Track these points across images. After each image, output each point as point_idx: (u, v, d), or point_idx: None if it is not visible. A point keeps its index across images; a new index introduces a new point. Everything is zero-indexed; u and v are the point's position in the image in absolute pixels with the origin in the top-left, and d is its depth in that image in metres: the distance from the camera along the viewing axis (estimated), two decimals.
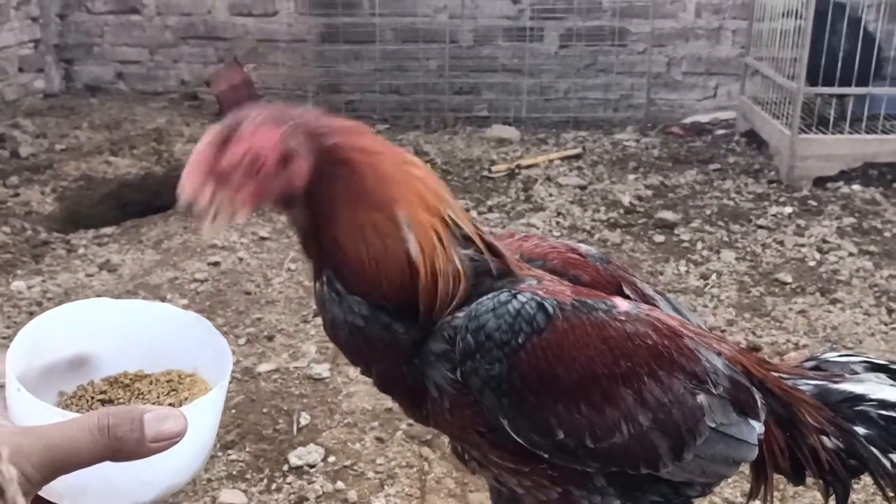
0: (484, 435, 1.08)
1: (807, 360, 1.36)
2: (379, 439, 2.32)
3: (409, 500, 2.09)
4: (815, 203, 4.15)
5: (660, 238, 3.76)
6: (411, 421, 2.40)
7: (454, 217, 1.05)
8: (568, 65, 5.74)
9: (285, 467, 2.21)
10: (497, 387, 1.03)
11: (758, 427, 1.15)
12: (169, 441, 0.68)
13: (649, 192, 4.31)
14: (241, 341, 2.82)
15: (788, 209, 4.06)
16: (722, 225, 3.89)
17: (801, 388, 1.25)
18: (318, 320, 2.99)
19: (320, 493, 2.11)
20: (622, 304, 1.10)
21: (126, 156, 4.70)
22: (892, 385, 1.25)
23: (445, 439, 2.28)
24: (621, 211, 4.06)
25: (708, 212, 4.05)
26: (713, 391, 1.10)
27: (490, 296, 1.05)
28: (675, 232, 3.81)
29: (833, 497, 1.27)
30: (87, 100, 6.02)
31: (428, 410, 1.10)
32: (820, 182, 4.35)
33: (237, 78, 5.46)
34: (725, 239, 3.74)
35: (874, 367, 1.29)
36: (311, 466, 2.21)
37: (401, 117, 5.67)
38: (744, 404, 1.13)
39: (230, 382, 2.40)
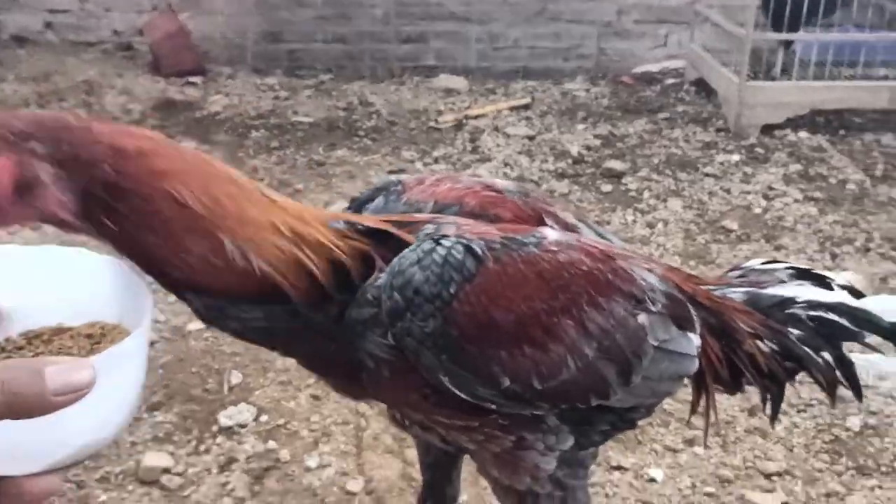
0: (427, 397, 1.02)
1: (732, 271, 1.34)
2: (314, 397, 2.24)
3: (344, 458, 2.02)
4: (762, 151, 4.13)
5: (607, 188, 3.70)
6: None
7: (293, 218, 0.93)
8: (517, 13, 5.60)
9: (215, 428, 2.12)
10: (434, 344, 0.96)
11: (696, 339, 1.13)
12: (75, 394, 0.62)
13: (598, 142, 4.25)
14: (171, 299, 2.68)
15: (736, 157, 4.03)
16: (669, 174, 3.85)
17: (730, 297, 1.23)
18: None
19: (251, 453, 2.03)
20: (551, 234, 1.04)
21: (54, 109, 4.45)
22: (817, 288, 1.25)
23: None
24: (569, 161, 3.99)
25: (656, 161, 4.00)
26: (652, 309, 1.06)
27: (412, 247, 0.97)
28: (623, 181, 3.76)
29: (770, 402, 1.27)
30: (13, 51, 5.68)
31: (366, 383, 1.02)
32: (767, 130, 4.33)
33: (172, 27, 5.20)
34: (673, 188, 3.71)
35: (799, 274, 1.28)
36: (242, 426, 2.12)
37: (345, 67, 5.48)
38: (681, 318, 1.11)
39: (158, 342, 2.26)
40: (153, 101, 4.67)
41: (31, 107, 4.48)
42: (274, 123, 4.40)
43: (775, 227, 3.33)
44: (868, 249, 3.13)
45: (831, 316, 1.23)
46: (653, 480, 1.95)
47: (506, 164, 3.92)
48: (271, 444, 2.06)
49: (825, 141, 4.24)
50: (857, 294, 1.28)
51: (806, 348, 1.22)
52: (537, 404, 1.03)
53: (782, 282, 1.28)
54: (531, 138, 4.28)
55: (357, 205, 1.19)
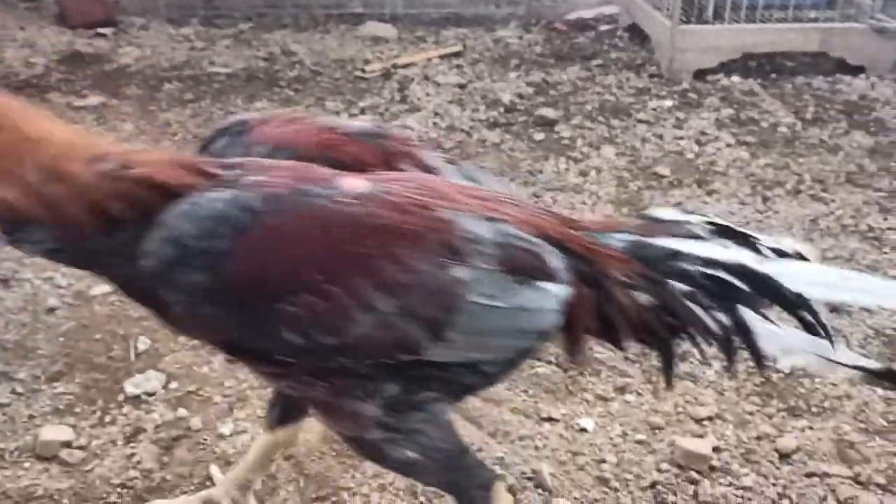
0: (226, 345, 1.01)
1: (641, 218, 1.27)
2: (229, 361, 2.10)
3: (261, 423, 1.90)
4: (694, 96, 4.09)
5: (540, 136, 3.61)
6: None
7: (56, 155, 0.96)
8: None
9: (120, 397, 1.97)
10: (207, 297, 0.94)
11: (556, 290, 1.08)
12: None
13: (530, 90, 4.13)
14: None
15: (668, 103, 3.97)
16: (602, 121, 3.77)
17: (611, 244, 1.17)
18: None
19: (159, 422, 1.89)
20: (356, 185, 1.00)
21: None
22: (725, 246, 1.17)
23: None
24: (501, 109, 3.87)
25: (589, 108, 3.92)
26: (477, 263, 1.02)
27: (187, 199, 0.96)
28: (556, 129, 3.67)
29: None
30: None
31: (171, 321, 1.01)
32: (700, 75, 4.28)
33: None
34: (606, 135, 3.63)
35: (721, 231, 1.20)
36: (150, 394, 1.98)
37: (266, 15, 5.20)
38: (531, 270, 1.06)
39: (59, 308, 2.08)
40: (59, 55, 4.35)
41: None
42: (189, 75, 4.15)
43: (707, 172, 3.29)
44: (799, 192, 3.12)
45: (725, 275, 1.15)
46: (583, 430, 1.89)
47: (436, 114, 3.77)
48: (181, 411, 1.92)
49: (757, 85, 4.22)
50: (787, 256, 1.19)
51: (693, 306, 1.14)
52: (335, 358, 1.00)
53: (697, 236, 1.19)
54: (462, 87, 4.14)
55: (203, 145, 1.14)
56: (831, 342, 1.14)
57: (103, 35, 4.67)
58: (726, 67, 4.33)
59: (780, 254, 1.20)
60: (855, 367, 1.16)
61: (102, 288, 2.36)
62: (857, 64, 4.32)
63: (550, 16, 5.46)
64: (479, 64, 4.53)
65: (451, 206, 1.04)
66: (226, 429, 1.88)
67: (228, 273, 0.93)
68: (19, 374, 2.02)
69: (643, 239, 1.19)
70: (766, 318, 1.16)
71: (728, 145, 3.52)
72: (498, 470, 1.75)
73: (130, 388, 1.98)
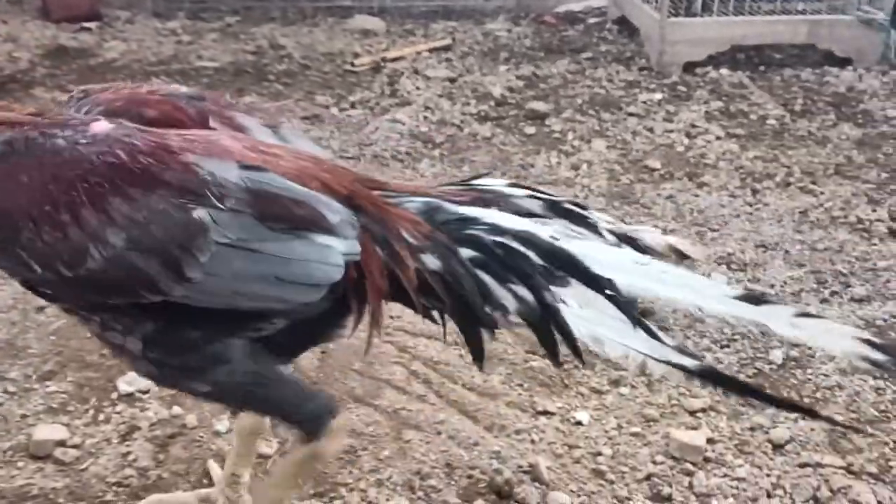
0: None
1: (457, 184, 1.28)
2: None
3: None
4: (684, 88, 4.10)
5: (531, 130, 3.61)
6: None
7: None
8: None
9: (114, 395, 1.96)
10: None
11: (335, 244, 1.09)
12: None
13: (521, 83, 4.13)
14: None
15: (658, 95, 3.99)
16: (593, 114, 3.78)
17: (406, 205, 1.18)
18: None
19: (154, 420, 1.88)
20: (100, 128, 1.06)
21: None
22: (545, 222, 1.17)
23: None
24: (492, 103, 3.87)
25: (579, 101, 3.92)
26: (219, 205, 1.03)
27: None
28: (547, 123, 3.67)
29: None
30: None
31: None
32: (689, 67, 4.30)
33: None
34: (596, 128, 3.64)
35: (558, 208, 1.21)
36: (144, 392, 1.96)
37: (253, 8, 5.17)
38: (300, 221, 1.07)
39: (48, 306, 2.05)
40: (43, 49, 4.30)
41: None
42: (176, 69, 4.12)
43: (697, 165, 3.31)
44: (788, 184, 3.14)
45: (517, 245, 1.13)
46: (579, 423, 1.90)
47: (426, 108, 3.77)
48: (176, 409, 1.91)
49: (746, 77, 4.24)
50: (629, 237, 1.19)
51: (485, 275, 1.13)
52: (83, 292, 1.05)
53: (524, 211, 1.19)
54: (452, 80, 4.13)
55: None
56: (653, 335, 1.13)
57: (88, 29, 4.62)
58: (715, 60, 4.35)
59: (623, 236, 1.20)
60: (670, 364, 1.14)
61: None
62: (844, 56, 4.35)
63: (539, 9, 5.46)
64: (469, 57, 4.53)
65: (207, 153, 1.07)
66: (221, 426, 1.87)
67: None
68: (11, 374, 2.00)
69: (439, 203, 1.19)
70: (573, 298, 1.13)
71: (718, 138, 3.54)
72: (495, 464, 1.75)
73: (124, 385, 1.97)
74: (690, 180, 3.17)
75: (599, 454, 1.80)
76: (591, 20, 5.30)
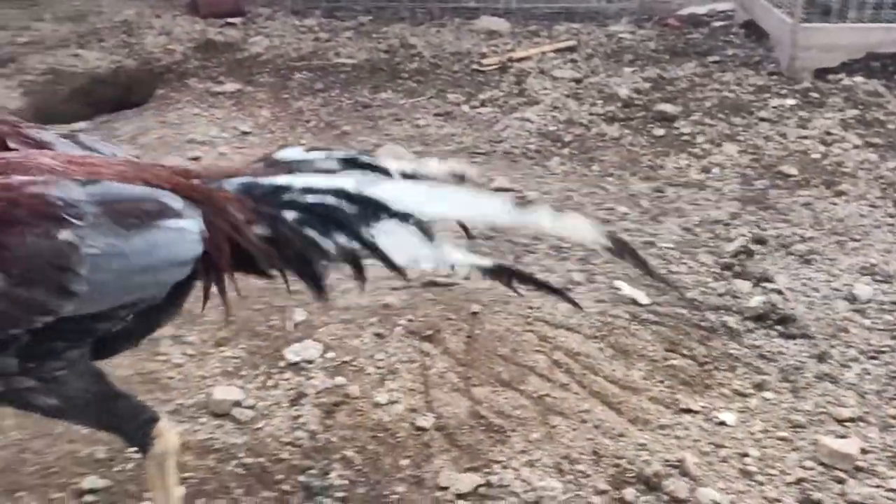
0: None
1: (262, 161, 1.41)
2: (378, 335, 2.24)
3: (412, 395, 2.02)
4: (816, 95, 4.01)
5: (659, 131, 3.62)
6: (411, 317, 2.33)
7: None
8: None
9: (282, 363, 2.13)
10: None
11: (187, 224, 1.22)
12: None
13: (647, 85, 4.14)
14: None
15: (790, 101, 3.92)
16: (723, 118, 3.76)
17: (225, 188, 1.31)
18: None
19: (320, 388, 2.04)
20: None
21: (95, 49, 4.42)
22: (347, 176, 1.34)
23: (447, 335, 2.21)
24: (619, 104, 3.90)
25: (708, 104, 3.90)
26: (79, 222, 1.13)
27: None
28: (675, 125, 3.68)
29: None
30: None
31: None
32: (821, 74, 4.20)
33: None
34: (727, 132, 3.62)
35: (353, 163, 1.36)
36: (309, 362, 2.13)
37: (384, 9, 5.37)
38: (149, 214, 1.19)
39: None
40: (194, 43, 4.61)
41: (71, 47, 4.44)
42: (316, 65, 4.34)
43: (835, 173, 3.25)
44: None
45: (330, 200, 1.30)
46: (723, 424, 1.94)
47: (554, 108, 3.84)
48: (339, 379, 2.06)
49: (881, 86, 4.10)
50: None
51: (311, 232, 1.28)
52: None
53: (318, 171, 1.35)
54: (578, 81, 4.19)
55: None
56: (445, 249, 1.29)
57: (233, 24, 4.92)
58: (848, 67, 4.23)
59: (411, 175, 1.36)
60: (471, 266, 1.31)
61: None
62: None
63: (663, 11, 5.43)
64: (594, 59, 4.56)
65: (46, 178, 1.16)
66: (381, 398, 2.01)
67: None
68: (189, 338, 2.20)
69: (253, 180, 1.33)
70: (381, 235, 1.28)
71: (855, 146, 3.46)
72: (644, 455, 1.81)
73: (290, 355, 2.14)
74: (828, 188, 3.12)
75: (746, 455, 1.84)
76: (717, 23, 5.23)
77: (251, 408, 1.98)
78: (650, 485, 1.75)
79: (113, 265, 1.16)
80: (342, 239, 1.31)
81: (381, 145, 3.40)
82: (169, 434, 1.41)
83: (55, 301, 1.14)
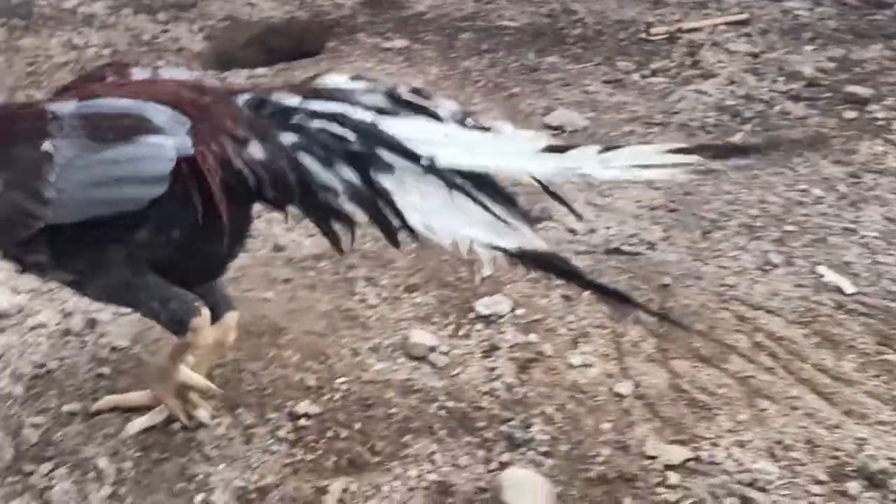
0: None
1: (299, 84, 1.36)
2: (566, 297, 2.20)
3: (606, 360, 1.98)
4: None
5: (850, 114, 3.38)
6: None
7: None
8: None
9: (472, 315, 2.13)
10: None
11: (166, 141, 1.24)
12: None
13: (832, 65, 3.87)
14: None
15: None
16: None
17: (235, 101, 1.31)
18: None
19: (512, 343, 2.03)
20: None
21: None
22: (364, 106, 1.25)
23: None
24: (803, 83, 3.66)
25: None
26: (57, 135, 1.23)
27: None
28: (868, 109, 3.42)
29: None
30: None
31: None
32: None
33: None
34: None
35: (398, 99, 1.27)
36: (500, 317, 2.11)
37: None
38: (123, 129, 1.24)
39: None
40: None
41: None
42: (481, 26, 4.29)
43: None
44: None
45: (336, 128, 1.22)
46: None
47: (731, 82, 3.65)
48: (532, 336, 2.04)
49: None
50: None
51: (311, 159, 1.23)
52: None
53: (366, 104, 1.26)
54: (755, 56, 3.96)
55: None
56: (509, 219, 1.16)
57: None
58: None
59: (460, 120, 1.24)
60: (491, 247, 1.18)
61: None
62: None
63: None
64: (769, 34, 4.31)
65: (49, 98, 1.29)
66: (575, 359, 1.97)
67: None
68: (382, 281, 2.23)
69: (264, 97, 1.30)
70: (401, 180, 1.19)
71: None
72: (870, 450, 1.70)
73: (481, 308, 2.13)
74: None
75: None
76: None
77: (445, 354, 1.99)
78: (874, 481, 1.65)
79: (77, 176, 1.24)
80: (348, 175, 1.24)
81: (553, 109, 3.33)
82: (204, 329, 1.46)
83: (35, 207, 1.25)
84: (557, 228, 2.49)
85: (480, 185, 1.19)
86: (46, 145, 1.24)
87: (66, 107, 1.28)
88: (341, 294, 2.16)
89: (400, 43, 3.96)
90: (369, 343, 2.00)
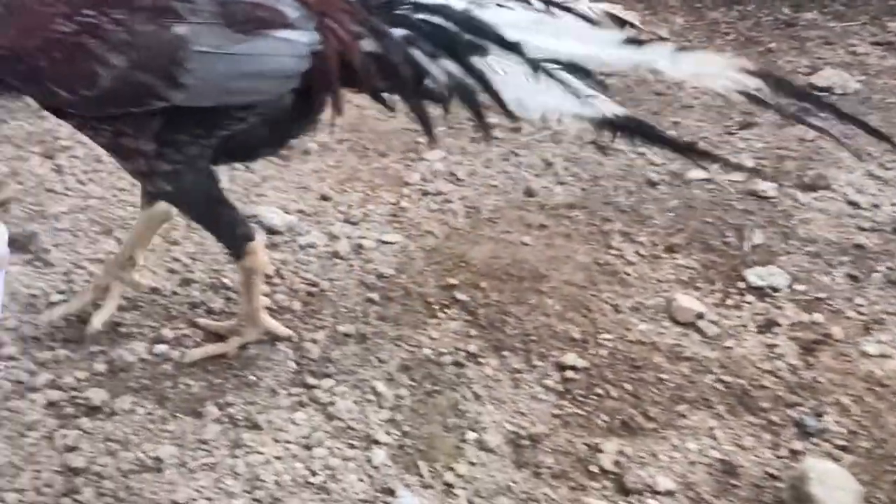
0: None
1: None
2: (852, 277, 1.96)
3: None
4: None
5: None
6: (890, 265, 2.01)
7: None
8: None
9: (741, 284, 1.94)
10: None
11: (299, 36, 1.26)
12: None
13: None
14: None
15: None
16: None
17: None
18: (746, 132, 2.60)
19: (794, 320, 1.83)
20: None
21: None
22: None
23: None
24: None
25: None
26: (195, 20, 1.21)
27: None
28: None
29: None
30: None
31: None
32: None
33: None
34: None
35: None
36: (775, 290, 1.91)
37: None
38: (262, 21, 1.24)
39: (658, 184, 2.09)
40: None
41: None
42: None
43: None
44: None
45: (437, 19, 1.27)
46: None
47: None
48: (816, 316, 1.83)
49: None
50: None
51: (418, 53, 1.27)
52: (105, 108, 1.27)
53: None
54: None
55: None
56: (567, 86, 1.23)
57: None
58: None
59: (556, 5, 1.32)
60: (583, 116, 1.24)
61: (697, 173, 2.35)
62: None
63: None
64: None
65: None
66: (870, 347, 1.75)
67: (5, 45, 1.23)
68: (640, 238, 2.09)
69: None
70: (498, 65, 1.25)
71: None
72: None
73: (753, 278, 1.94)
74: None
75: None
76: None
77: (714, 323, 1.83)
78: None
79: (218, 66, 1.25)
80: (449, 62, 1.28)
81: (818, 69, 3.00)
82: (260, 254, 1.51)
83: (164, 89, 1.25)
84: (836, 199, 2.23)
85: (564, 66, 1.27)
86: (181, 29, 1.22)
87: None
88: (598, 247, 2.04)
89: None
90: (630, 301, 1.88)
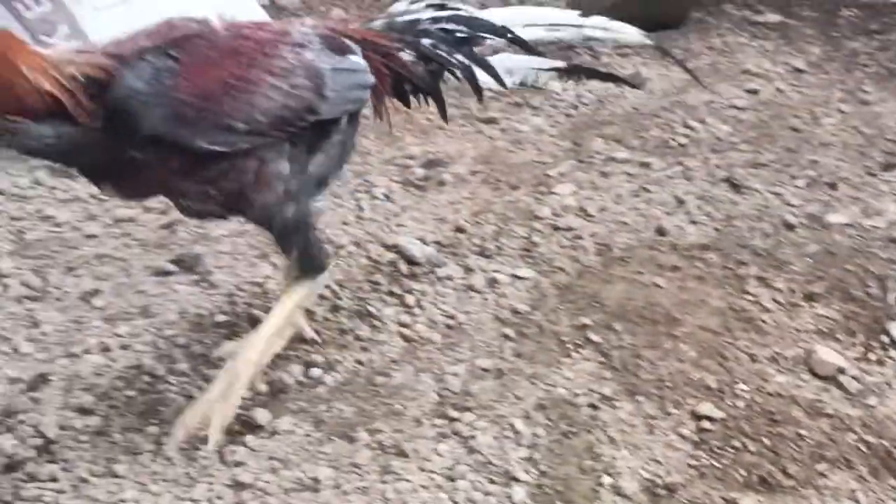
0: (184, 169, 1.45)
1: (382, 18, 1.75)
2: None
3: None
4: None
5: None
6: None
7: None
8: None
9: (884, 338, 1.90)
10: (167, 120, 1.38)
11: (358, 59, 1.59)
12: None
13: None
14: (799, 183, 2.47)
15: None
16: None
17: (372, 27, 1.70)
18: (889, 174, 2.52)
19: None
20: (215, 23, 1.49)
21: None
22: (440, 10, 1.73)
23: None
24: None
25: None
26: (312, 46, 1.53)
27: (121, 77, 1.36)
28: None
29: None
30: None
31: (137, 181, 1.47)
32: None
33: None
34: None
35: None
36: None
37: None
38: (340, 47, 1.57)
39: (797, 227, 2.02)
40: None
41: None
42: (865, 3, 3.80)
43: None
44: None
45: (450, 25, 1.71)
46: None
47: None
48: None
49: None
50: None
51: (439, 52, 1.69)
52: (270, 132, 1.48)
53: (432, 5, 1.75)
54: None
55: None
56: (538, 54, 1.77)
57: None
58: None
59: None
60: (551, 69, 1.78)
61: (837, 217, 2.30)
62: None
63: None
64: None
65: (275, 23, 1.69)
66: None
67: (179, 101, 1.39)
68: (777, 283, 2.06)
69: (392, 20, 1.71)
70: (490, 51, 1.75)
71: None
72: None
73: None
74: None
75: None
76: None
77: (856, 379, 1.80)
78: None
79: (339, 79, 1.53)
80: (461, 56, 1.69)
81: None
82: (318, 284, 1.68)
83: (317, 103, 1.51)
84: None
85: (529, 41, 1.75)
86: (310, 54, 1.52)
87: (304, 29, 1.56)
88: (733, 291, 2.03)
89: (772, 17, 3.63)
90: (767, 351, 1.86)
